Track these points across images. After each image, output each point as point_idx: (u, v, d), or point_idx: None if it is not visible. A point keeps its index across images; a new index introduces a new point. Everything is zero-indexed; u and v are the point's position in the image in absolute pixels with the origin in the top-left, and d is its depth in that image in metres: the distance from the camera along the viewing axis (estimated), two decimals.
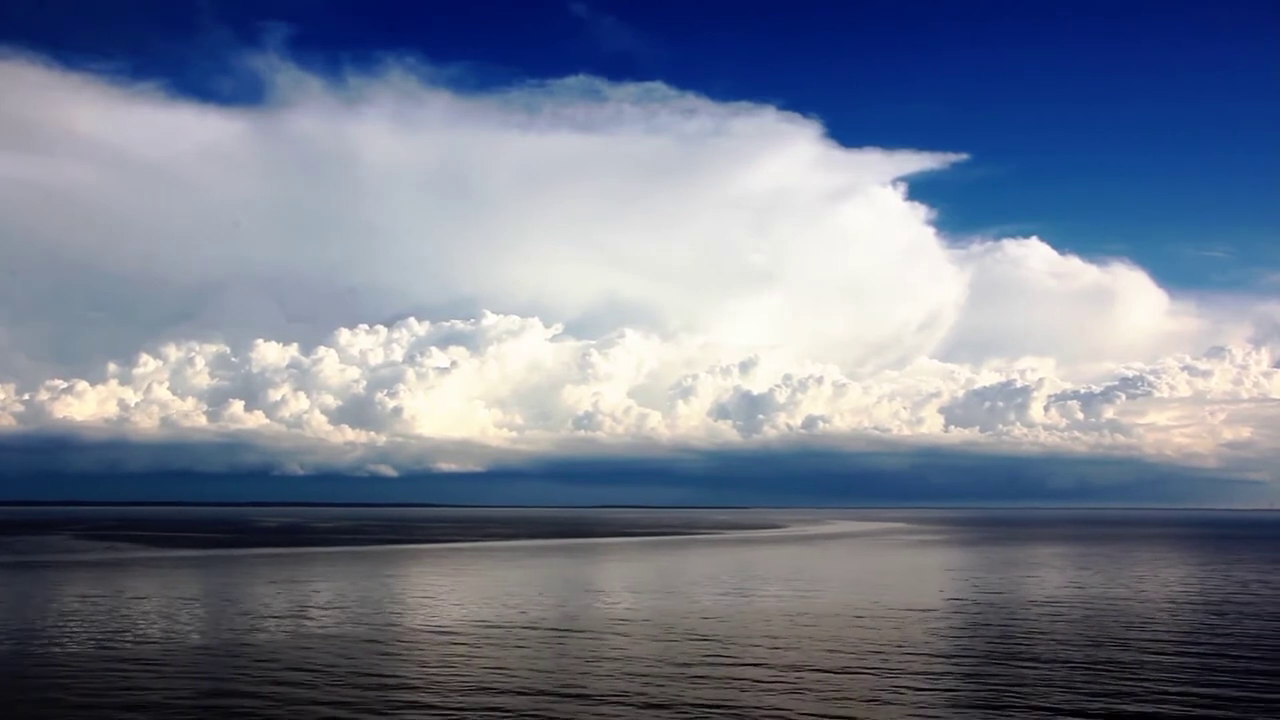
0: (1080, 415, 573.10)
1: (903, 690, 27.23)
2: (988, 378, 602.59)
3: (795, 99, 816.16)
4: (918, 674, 29.50)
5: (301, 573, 68.59)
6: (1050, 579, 64.57)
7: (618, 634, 37.66)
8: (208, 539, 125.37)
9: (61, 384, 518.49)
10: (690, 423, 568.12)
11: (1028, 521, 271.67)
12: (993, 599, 50.84)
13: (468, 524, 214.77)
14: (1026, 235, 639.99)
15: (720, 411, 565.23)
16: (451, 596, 52.02)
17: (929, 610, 45.50)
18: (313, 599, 49.80)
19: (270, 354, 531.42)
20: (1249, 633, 38.86)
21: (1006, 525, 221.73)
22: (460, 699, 26.17)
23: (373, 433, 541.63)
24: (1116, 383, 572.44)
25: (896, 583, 62.58)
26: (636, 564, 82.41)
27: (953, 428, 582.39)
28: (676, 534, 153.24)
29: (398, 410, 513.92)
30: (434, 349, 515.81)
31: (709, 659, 32.04)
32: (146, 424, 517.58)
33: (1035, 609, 46.28)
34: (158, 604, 47.66)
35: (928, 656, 32.60)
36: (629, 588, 58.26)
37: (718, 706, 25.28)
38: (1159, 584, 60.80)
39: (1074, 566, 77.50)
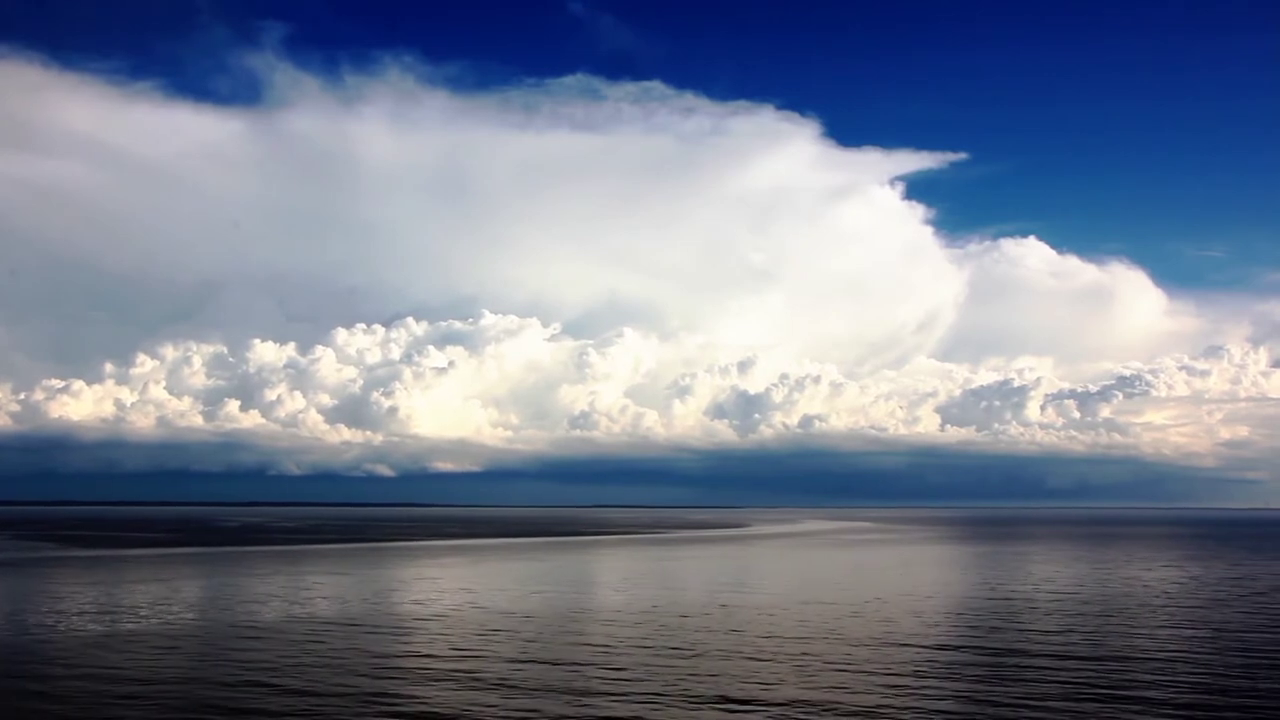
0: (1077, 415, 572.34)
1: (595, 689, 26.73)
2: (985, 377, 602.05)
3: (794, 98, 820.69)
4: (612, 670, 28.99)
5: (177, 572, 68.34)
6: (929, 576, 63.89)
7: (407, 628, 37.34)
8: (146, 539, 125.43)
9: (58, 383, 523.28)
10: (687, 422, 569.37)
11: (1014, 520, 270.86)
12: (863, 597, 50.19)
13: (433, 523, 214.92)
14: (1025, 234, 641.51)
15: (717, 411, 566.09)
16: (317, 593, 51.63)
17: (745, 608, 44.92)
18: (155, 597, 49.61)
19: (267, 353, 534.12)
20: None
21: (988, 524, 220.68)
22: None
23: (369, 432, 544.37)
24: (1114, 382, 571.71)
25: (760, 583, 61.87)
26: (535, 564, 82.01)
27: (949, 427, 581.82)
28: (632, 534, 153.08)
29: (394, 410, 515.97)
30: (431, 348, 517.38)
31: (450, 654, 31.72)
32: (143, 423, 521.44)
33: (869, 608, 45.69)
34: None
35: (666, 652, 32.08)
36: (498, 586, 57.88)
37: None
38: (1032, 580, 60.02)
39: (985, 564, 76.73)
